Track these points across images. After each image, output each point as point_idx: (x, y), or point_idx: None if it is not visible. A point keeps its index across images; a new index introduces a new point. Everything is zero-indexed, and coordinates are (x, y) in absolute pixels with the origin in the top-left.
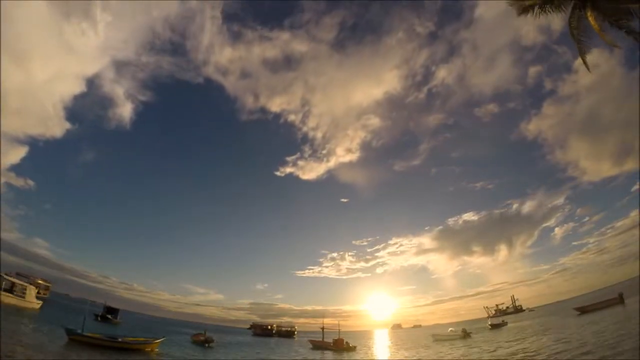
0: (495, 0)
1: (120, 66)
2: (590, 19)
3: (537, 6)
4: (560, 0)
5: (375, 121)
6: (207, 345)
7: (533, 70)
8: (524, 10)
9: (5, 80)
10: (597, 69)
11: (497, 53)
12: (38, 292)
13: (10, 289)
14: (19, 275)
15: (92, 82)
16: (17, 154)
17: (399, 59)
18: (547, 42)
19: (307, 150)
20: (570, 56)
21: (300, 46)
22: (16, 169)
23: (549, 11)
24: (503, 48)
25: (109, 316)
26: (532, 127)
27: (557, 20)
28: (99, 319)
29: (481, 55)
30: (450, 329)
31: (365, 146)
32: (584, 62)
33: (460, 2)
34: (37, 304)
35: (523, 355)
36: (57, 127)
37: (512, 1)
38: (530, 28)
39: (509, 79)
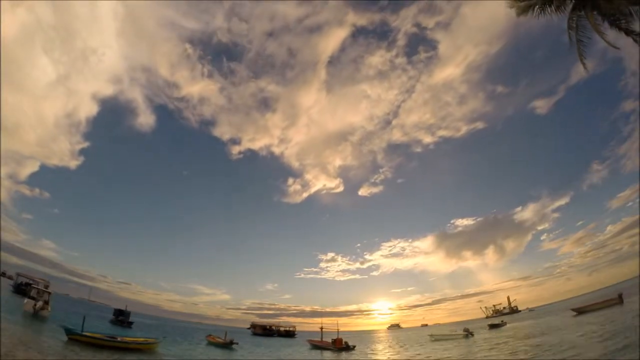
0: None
1: (133, 70)
2: (590, 19)
3: (537, 6)
4: (560, 0)
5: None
6: (231, 347)
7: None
8: (523, 11)
9: (19, 117)
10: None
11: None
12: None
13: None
14: (19, 275)
15: (107, 102)
16: (31, 167)
17: (370, 92)
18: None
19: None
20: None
21: (277, 89)
22: (29, 181)
23: (548, 12)
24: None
25: (121, 318)
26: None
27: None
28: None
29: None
30: (449, 329)
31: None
32: (582, 63)
33: (424, 36)
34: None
35: (523, 354)
36: (73, 161)
37: (512, 2)
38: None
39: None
